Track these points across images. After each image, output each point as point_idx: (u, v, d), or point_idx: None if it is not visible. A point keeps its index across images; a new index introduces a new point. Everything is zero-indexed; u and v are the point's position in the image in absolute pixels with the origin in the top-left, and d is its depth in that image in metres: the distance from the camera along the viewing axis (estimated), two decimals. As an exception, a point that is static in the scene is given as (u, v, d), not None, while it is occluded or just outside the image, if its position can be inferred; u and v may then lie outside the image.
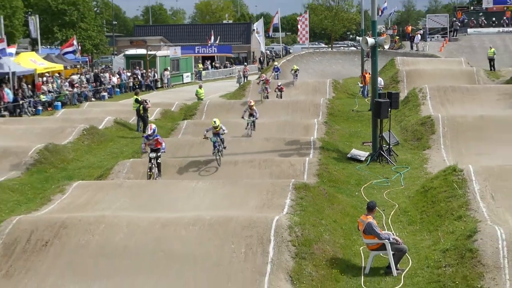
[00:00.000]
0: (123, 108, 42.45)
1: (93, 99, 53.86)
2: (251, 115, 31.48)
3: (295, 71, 48.13)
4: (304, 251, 16.52)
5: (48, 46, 67.96)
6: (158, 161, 23.42)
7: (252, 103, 32.02)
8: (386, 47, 32.22)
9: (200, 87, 52.90)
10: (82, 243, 17.20)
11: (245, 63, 73.14)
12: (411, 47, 71.84)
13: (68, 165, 29.10)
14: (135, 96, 39.59)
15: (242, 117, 32.08)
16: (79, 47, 65.39)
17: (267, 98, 39.41)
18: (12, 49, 50.11)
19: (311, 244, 16.97)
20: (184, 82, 69.08)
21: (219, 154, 25.59)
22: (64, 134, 33.13)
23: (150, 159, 23.34)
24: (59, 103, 48.49)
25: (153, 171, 22.97)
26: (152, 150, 23.28)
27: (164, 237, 17.23)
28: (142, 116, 36.45)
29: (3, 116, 42.37)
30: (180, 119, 38.60)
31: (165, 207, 20.09)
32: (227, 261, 16.18)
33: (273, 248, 16.38)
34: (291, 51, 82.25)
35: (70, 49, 61.51)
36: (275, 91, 43.44)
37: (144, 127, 36.12)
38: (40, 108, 47.01)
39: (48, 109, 47.29)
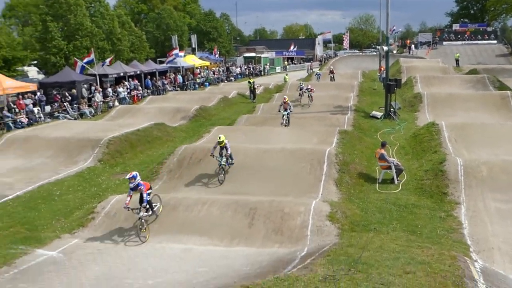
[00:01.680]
0: (242, 86, 42.47)
1: (225, 81, 54.08)
2: (285, 109, 23.15)
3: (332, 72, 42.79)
4: (344, 168, 16.43)
5: (201, 52, 68.58)
6: (147, 208, 12.65)
7: (286, 99, 23.62)
8: (394, 52, 31.17)
9: (286, 74, 52.52)
10: (219, 160, 17.58)
11: (311, 61, 71.90)
12: (409, 52, 69.04)
13: (212, 117, 29.54)
14: (248, 79, 39.66)
15: (279, 111, 23.53)
16: (218, 52, 65.76)
17: (312, 100, 29.45)
18: (182, 53, 50.74)
19: (348, 164, 16.85)
20: (276, 72, 68.57)
21: (223, 171, 16.45)
22: (210, 100, 33.58)
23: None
24: (207, 83, 48.97)
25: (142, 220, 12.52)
26: (140, 199, 12.71)
27: (264, 158, 17.37)
28: (253, 91, 36.49)
29: (177, 90, 43.15)
30: (274, 92, 38.41)
31: (264, 142, 20.17)
32: (299, 172, 16.24)
33: (326, 166, 16.34)
34: (338, 54, 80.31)
35: (207, 54, 63.06)
36: (329, 75, 42.17)
37: (254, 97, 36.16)
38: (197, 86, 47.69)
39: (201, 86, 47.87)
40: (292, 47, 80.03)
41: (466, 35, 75.74)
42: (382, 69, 38.09)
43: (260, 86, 40.45)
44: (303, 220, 12.51)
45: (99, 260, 11.40)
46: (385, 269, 8.45)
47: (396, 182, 15.81)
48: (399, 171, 16.10)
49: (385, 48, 28.30)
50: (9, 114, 26.08)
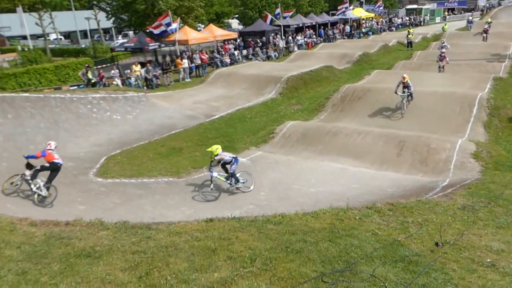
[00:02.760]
0: (402, 35, 38.41)
1: (387, 31, 49.64)
2: (405, 87, 15.04)
3: (489, 23, 33.09)
4: (494, 112, 14.24)
5: (368, 5, 62.72)
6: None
7: (405, 78, 14.91)
8: None
9: (445, 24, 45.93)
10: (376, 98, 16.63)
11: (472, 11, 61.49)
12: None
13: (372, 62, 27.80)
14: (408, 29, 35.80)
15: (395, 92, 15.04)
16: (383, 5, 59.78)
17: (443, 69, 21.11)
18: (351, 7, 47.57)
19: (499, 109, 14.50)
20: (436, 22, 60.48)
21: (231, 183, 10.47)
22: (372, 48, 31.47)
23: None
24: (371, 33, 45.45)
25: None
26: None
27: (416, 99, 15.89)
28: (410, 41, 32.86)
29: (344, 38, 41.14)
30: (431, 41, 34.16)
31: (418, 85, 18.32)
32: (449, 114, 14.56)
33: (476, 109, 14.37)
34: (502, 4, 67.01)
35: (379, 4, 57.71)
36: (481, 34, 33.88)
37: (411, 46, 32.64)
38: (361, 35, 44.74)
39: (365, 35, 44.74)
40: (454, -2, 69.44)
41: None
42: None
43: (412, 42, 34.83)
44: (447, 155, 11.36)
45: (275, 168, 12.05)
46: (527, 207, 7.28)
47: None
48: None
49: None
50: (217, 55, 28.10)
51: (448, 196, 8.17)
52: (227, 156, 10.53)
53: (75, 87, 20.20)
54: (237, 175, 10.47)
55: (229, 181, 10.47)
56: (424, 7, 62.42)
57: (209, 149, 10.51)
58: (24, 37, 44.90)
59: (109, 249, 5.30)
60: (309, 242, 5.60)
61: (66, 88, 20.53)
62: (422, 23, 57.71)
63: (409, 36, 33.00)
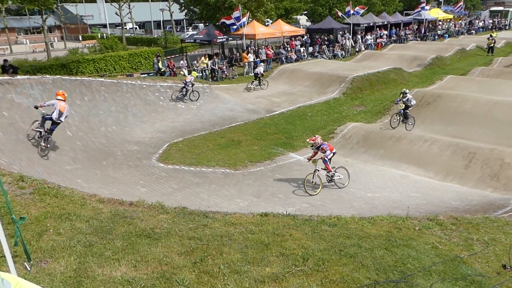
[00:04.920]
0: (482, 39, 35.85)
1: (466, 34, 46.42)
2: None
3: None
4: None
5: (446, 5, 58.97)
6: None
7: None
8: None
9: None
10: (447, 105, 15.80)
11: None
12: None
13: (446, 67, 26.29)
14: (491, 33, 33.29)
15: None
16: (464, 6, 55.61)
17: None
18: (428, 7, 45.03)
19: None
20: (522, 27, 55.48)
21: None
22: (447, 51, 29.79)
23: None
24: (447, 35, 42.90)
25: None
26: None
27: (492, 109, 14.87)
28: (492, 47, 30.56)
29: (417, 40, 39.20)
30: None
31: (496, 93, 17.08)
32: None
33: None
34: None
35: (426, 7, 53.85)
36: None
37: (491, 52, 30.38)
38: (436, 37, 42.35)
39: (440, 38, 42.27)
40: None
41: None
42: None
43: (494, 47, 32.35)
44: (524, 172, 10.50)
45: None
46: None
47: None
48: None
49: None
50: (283, 51, 28.14)
51: (520, 216, 7.58)
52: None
53: (145, 75, 21.29)
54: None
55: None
56: (511, 9, 57.63)
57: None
58: (104, 26, 48.03)
59: (168, 232, 5.55)
60: (364, 247, 5.48)
61: (137, 75, 21.71)
62: (507, 27, 53.39)
63: (489, 40, 30.70)
